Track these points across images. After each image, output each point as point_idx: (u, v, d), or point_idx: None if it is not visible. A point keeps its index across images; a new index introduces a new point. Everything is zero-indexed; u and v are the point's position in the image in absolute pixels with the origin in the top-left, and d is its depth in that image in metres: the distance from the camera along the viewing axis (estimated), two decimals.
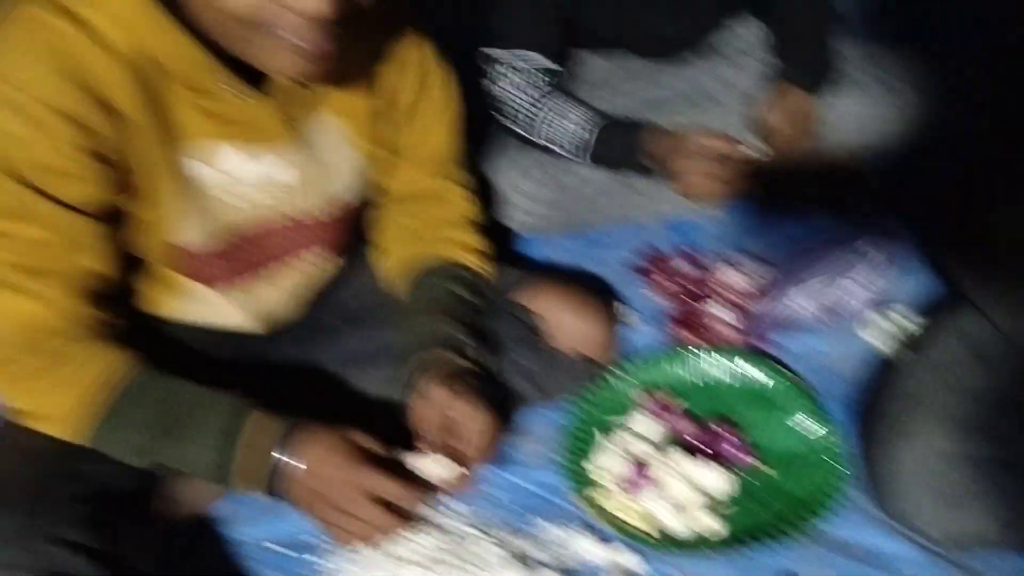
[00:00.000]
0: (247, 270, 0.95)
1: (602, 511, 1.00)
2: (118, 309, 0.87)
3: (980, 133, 1.35)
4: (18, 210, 0.77)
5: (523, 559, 0.96)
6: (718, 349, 1.16)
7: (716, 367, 1.15)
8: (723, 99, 1.43)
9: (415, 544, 0.94)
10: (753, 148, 1.34)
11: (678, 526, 0.98)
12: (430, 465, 0.88)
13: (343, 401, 1.07)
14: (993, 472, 0.92)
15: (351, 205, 1.00)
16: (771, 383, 1.12)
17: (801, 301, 1.21)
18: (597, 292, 1.17)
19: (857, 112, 1.40)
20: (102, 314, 0.84)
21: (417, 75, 1.00)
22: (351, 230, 1.04)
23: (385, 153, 1.02)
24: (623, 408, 1.11)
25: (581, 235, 1.41)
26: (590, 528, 1.01)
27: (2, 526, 0.78)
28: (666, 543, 0.97)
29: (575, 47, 1.46)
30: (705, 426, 1.07)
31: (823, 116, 1.40)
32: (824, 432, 1.05)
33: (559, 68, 1.36)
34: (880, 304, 1.23)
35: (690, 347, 1.18)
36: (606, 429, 1.08)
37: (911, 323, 1.19)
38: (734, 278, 1.27)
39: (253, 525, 1.02)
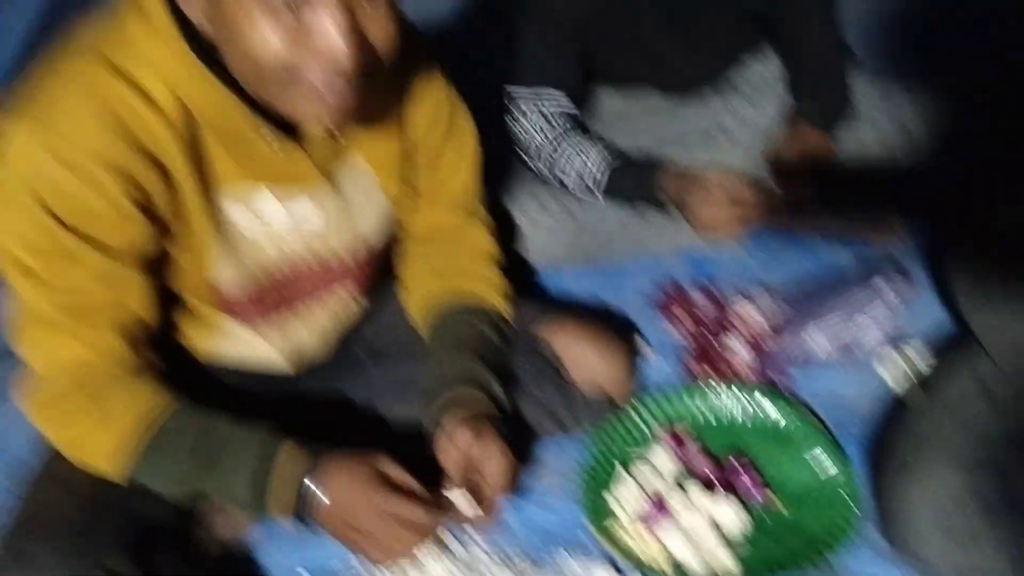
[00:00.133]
0: (278, 309, 0.99)
1: (619, 544, 1.02)
2: (156, 347, 0.91)
3: (991, 169, 1.38)
4: (68, 257, 0.81)
5: None
6: (735, 384, 1.19)
7: (732, 402, 1.17)
8: (739, 135, 1.45)
9: (435, 573, 0.98)
10: (768, 185, 1.37)
11: (693, 561, 1.00)
12: (455, 499, 0.92)
13: (372, 432, 1.10)
14: (1003, 511, 0.93)
15: (377, 246, 1.04)
16: (786, 419, 1.14)
17: (818, 338, 1.23)
18: (615, 326, 1.20)
19: (871, 148, 1.42)
20: (142, 353, 0.89)
21: (437, 114, 1.03)
22: (378, 269, 1.07)
23: (409, 193, 1.05)
24: (641, 442, 1.13)
25: (599, 268, 1.42)
26: (607, 560, 1.03)
27: (45, 556, 0.82)
28: None
29: (595, 83, 1.50)
30: (721, 461, 1.10)
31: (838, 152, 1.43)
32: (839, 469, 1.07)
33: (577, 107, 1.40)
34: (896, 340, 1.25)
35: (707, 382, 1.20)
36: (624, 462, 1.10)
37: (925, 360, 1.21)
38: (751, 313, 1.28)
39: (285, 551, 1.06)
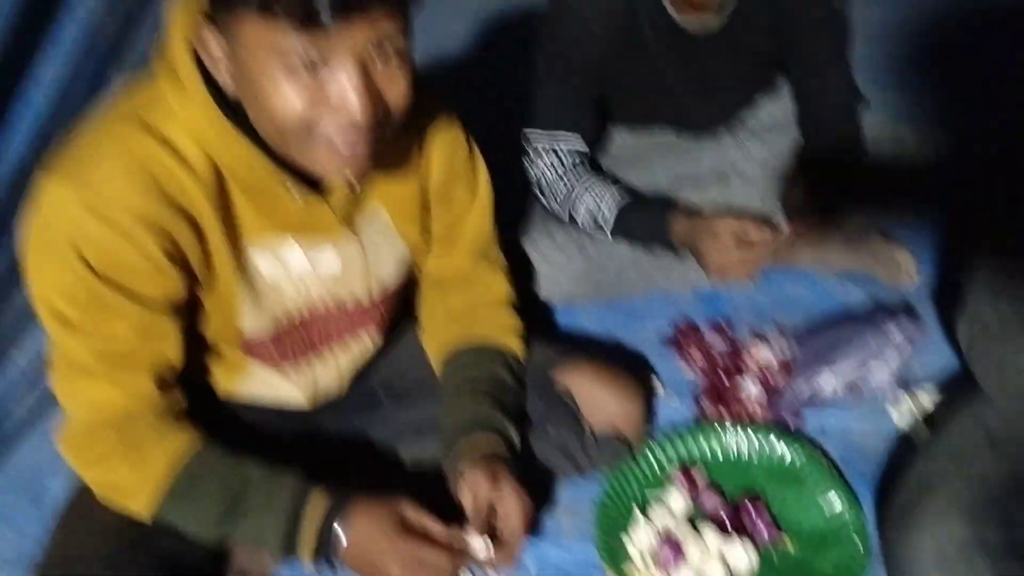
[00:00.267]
0: (299, 352, 1.02)
1: None
2: (184, 389, 0.95)
3: (1002, 208, 1.40)
4: (104, 308, 0.85)
5: None
6: (747, 424, 1.20)
7: (745, 442, 1.19)
8: (752, 175, 1.46)
9: None
10: (779, 225, 1.38)
11: None
12: (474, 543, 0.94)
13: (390, 471, 1.13)
14: (1007, 559, 0.94)
15: (394, 290, 1.07)
16: (799, 460, 1.16)
17: (831, 381, 1.25)
18: (630, 365, 1.22)
19: (880, 188, 1.44)
20: (172, 396, 0.93)
21: (452, 162, 1.06)
22: (396, 309, 1.11)
23: (426, 237, 1.09)
24: (655, 482, 1.15)
25: (612, 306, 1.45)
26: None
27: None
28: None
29: (611, 123, 1.52)
30: (733, 501, 1.11)
31: (848, 192, 1.45)
32: (850, 510, 1.09)
33: (592, 147, 1.42)
34: (907, 383, 1.26)
35: (720, 422, 1.22)
36: (639, 503, 1.12)
37: (934, 404, 1.22)
38: (764, 354, 1.30)
39: None
